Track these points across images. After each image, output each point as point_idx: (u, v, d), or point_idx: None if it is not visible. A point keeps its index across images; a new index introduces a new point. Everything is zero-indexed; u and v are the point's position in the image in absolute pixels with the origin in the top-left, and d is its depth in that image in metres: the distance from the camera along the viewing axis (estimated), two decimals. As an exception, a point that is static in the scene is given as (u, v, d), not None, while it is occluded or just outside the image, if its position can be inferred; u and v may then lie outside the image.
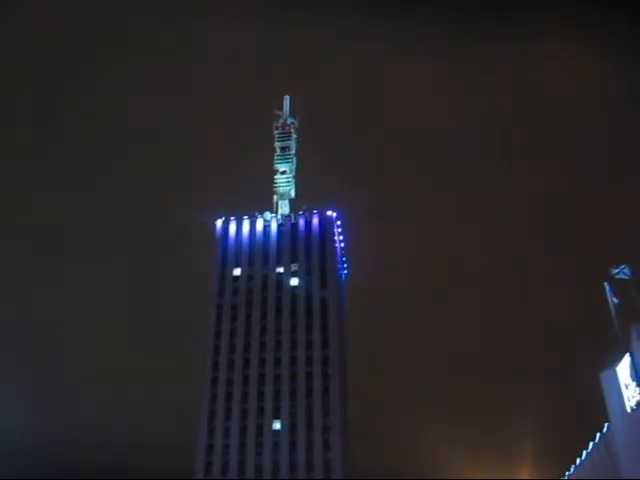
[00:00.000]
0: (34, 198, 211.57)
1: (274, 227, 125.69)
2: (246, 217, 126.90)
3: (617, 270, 68.81)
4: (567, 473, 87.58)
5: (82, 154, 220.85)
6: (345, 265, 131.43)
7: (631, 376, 65.38)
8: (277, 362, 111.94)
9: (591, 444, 77.37)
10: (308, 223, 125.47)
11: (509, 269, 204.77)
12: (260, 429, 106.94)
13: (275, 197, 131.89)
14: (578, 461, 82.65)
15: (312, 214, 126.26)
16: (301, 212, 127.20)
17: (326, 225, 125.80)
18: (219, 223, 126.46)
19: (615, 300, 66.68)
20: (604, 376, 68.86)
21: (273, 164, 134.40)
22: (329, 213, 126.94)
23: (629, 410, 64.58)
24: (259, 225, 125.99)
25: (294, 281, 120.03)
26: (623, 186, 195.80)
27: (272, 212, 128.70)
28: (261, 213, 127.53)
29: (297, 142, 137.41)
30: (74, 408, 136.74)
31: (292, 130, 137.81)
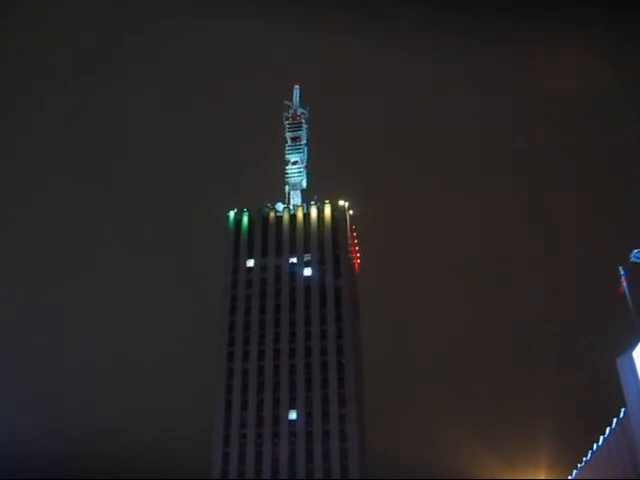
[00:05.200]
0: (33, 197, 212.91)
1: (286, 218, 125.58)
2: (258, 208, 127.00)
3: (632, 255, 68.37)
4: (584, 458, 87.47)
5: (87, 152, 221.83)
6: (358, 254, 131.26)
7: (647, 361, 65.02)
8: (292, 353, 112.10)
9: (608, 429, 77.21)
10: (320, 213, 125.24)
11: (524, 257, 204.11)
12: (276, 419, 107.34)
13: (287, 188, 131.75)
14: (595, 446, 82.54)
15: (324, 204, 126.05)
16: (313, 202, 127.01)
17: (338, 215, 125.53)
18: (231, 215, 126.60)
19: (625, 285, 66.30)
20: (620, 361, 68.53)
21: (284, 155, 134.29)
22: (341, 202, 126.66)
23: (646, 395, 64.27)
24: (271, 216, 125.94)
25: (307, 271, 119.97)
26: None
27: (284, 203, 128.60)
28: (273, 204, 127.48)
29: (308, 132, 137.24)
30: (88, 404, 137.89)
31: (303, 120, 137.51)
